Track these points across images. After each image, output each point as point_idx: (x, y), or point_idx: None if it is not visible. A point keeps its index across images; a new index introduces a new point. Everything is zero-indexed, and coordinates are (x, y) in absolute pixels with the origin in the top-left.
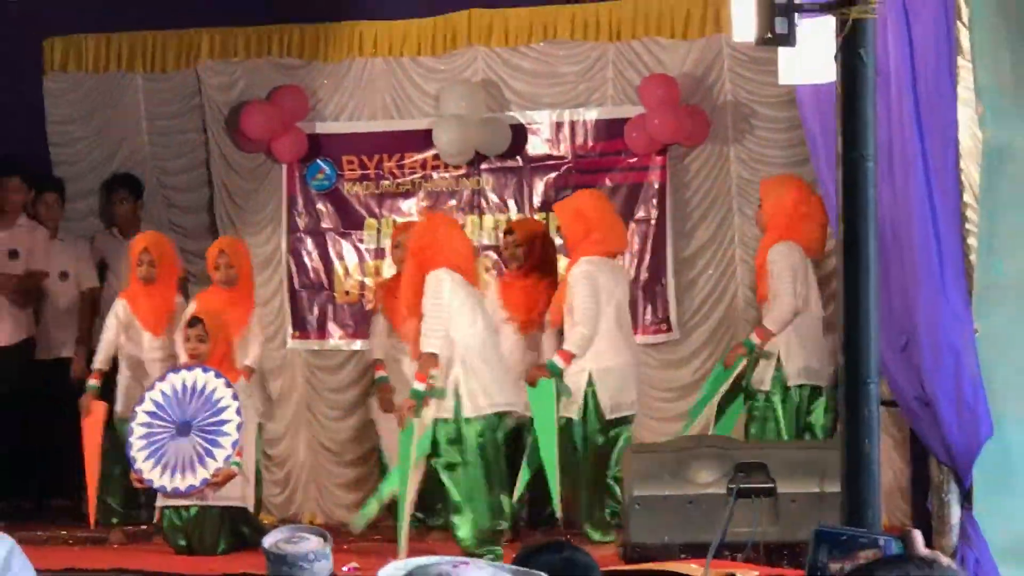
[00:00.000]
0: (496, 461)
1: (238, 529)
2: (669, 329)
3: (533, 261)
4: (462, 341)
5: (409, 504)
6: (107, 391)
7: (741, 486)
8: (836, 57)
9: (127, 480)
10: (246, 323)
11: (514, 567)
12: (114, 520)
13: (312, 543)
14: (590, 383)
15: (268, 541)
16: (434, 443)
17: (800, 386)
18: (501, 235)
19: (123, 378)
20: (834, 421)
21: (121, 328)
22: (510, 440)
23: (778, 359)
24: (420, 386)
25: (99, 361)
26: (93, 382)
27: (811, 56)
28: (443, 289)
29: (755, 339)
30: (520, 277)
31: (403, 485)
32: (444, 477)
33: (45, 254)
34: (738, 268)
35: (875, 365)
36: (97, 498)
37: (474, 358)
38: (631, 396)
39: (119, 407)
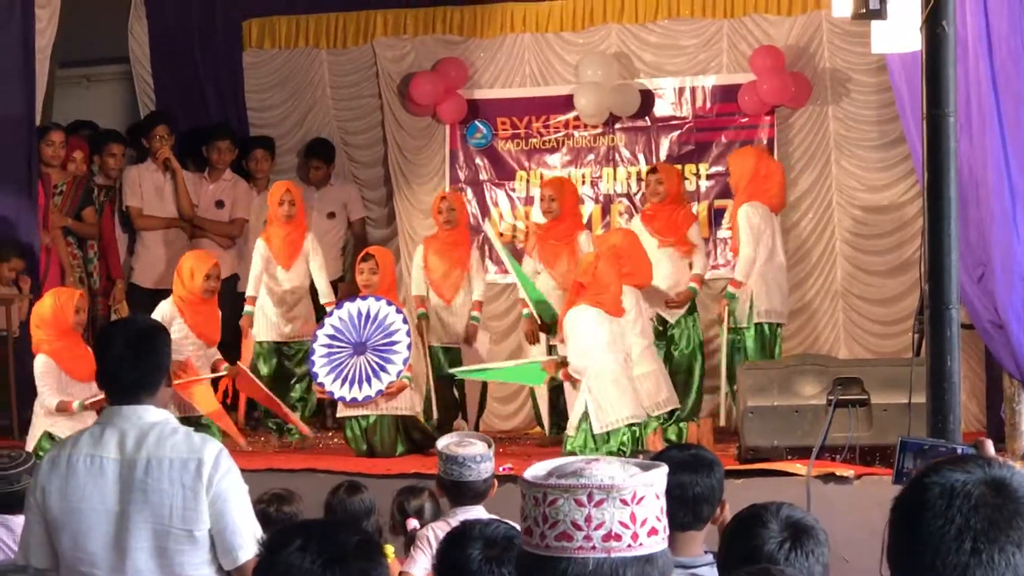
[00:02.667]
0: None
1: (410, 434)
2: None
3: (672, 195)
4: (595, 367)
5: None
6: None
7: (839, 397)
8: (921, 28)
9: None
10: (468, 260)
11: (640, 460)
12: (273, 428)
13: (478, 447)
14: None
15: (441, 443)
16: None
17: (769, 323)
18: (645, 176)
19: (261, 305)
20: (919, 341)
21: (263, 263)
22: None
23: (751, 300)
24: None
25: (251, 289)
26: (249, 308)
27: (900, 28)
28: (582, 325)
29: (732, 289)
30: (662, 208)
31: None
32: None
33: (247, 203)
34: (835, 211)
35: (955, 293)
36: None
37: (605, 382)
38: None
39: (255, 330)
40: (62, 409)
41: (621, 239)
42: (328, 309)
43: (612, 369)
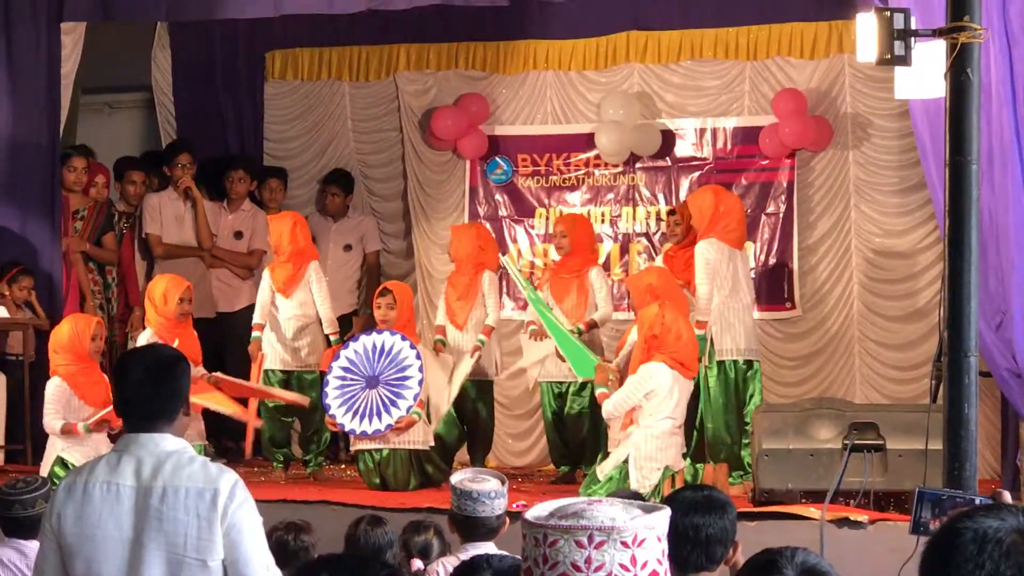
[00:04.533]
0: None
1: (423, 468)
2: (793, 307)
3: (692, 237)
4: (651, 431)
5: None
6: None
7: (855, 442)
8: (946, 76)
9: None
10: (476, 288)
11: (642, 503)
12: (279, 459)
13: (492, 483)
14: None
15: (455, 479)
16: None
17: (734, 361)
18: (665, 216)
19: (267, 334)
20: (936, 388)
21: (270, 292)
22: None
23: (711, 339)
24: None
25: (258, 316)
26: (257, 333)
27: (924, 74)
28: (655, 382)
29: (698, 331)
30: (681, 250)
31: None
32: None
33: (264, 234)
34: (853, 256)
35: (974, 340)
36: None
37: (652, 448)
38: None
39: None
40: (67, 432)
41: (656, 278)
42: (332, 338)
43: (664, 431)
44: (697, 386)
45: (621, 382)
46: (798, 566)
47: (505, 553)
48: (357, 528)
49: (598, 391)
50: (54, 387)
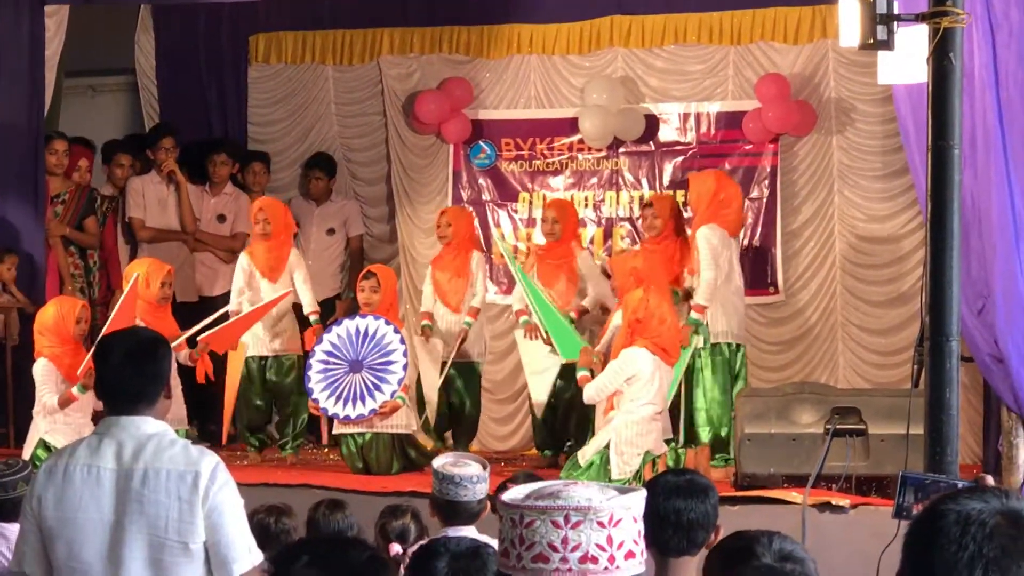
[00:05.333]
0: None
1: (406, 452)
2: (776, 291)
3: (669, 228)
4: (630, 417)
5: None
6: None
7: (837, 427)
8: (928, 60)
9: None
10: (468, 269)
11: (618, 485)
12: (254, 443)
13: (474, 468)
14: None
15: (437, 463)
16: None
17: (727, 343)
18: (639, 208)
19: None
20: (918, 372)
21: (245, 277)
22: None
23: (707, 323)
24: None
25: (234, 303)
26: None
27: (906, 59)
28: (636, 367)
29: (695, 315)
30: (658, 241)
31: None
32: None
33: (247, 217)
34: (837, 241)
35: (956, 325)
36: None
37: (632, 433)
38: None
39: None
40: (65, 402)
41: (641, 262)
42: (312, 318)
43: (645, 417)
44: (689, 368)
45: (604, 366)
46: (775, 553)
47: (465, 535)
48: (316, 512)
49: (580, 374)
50: (42, 367)
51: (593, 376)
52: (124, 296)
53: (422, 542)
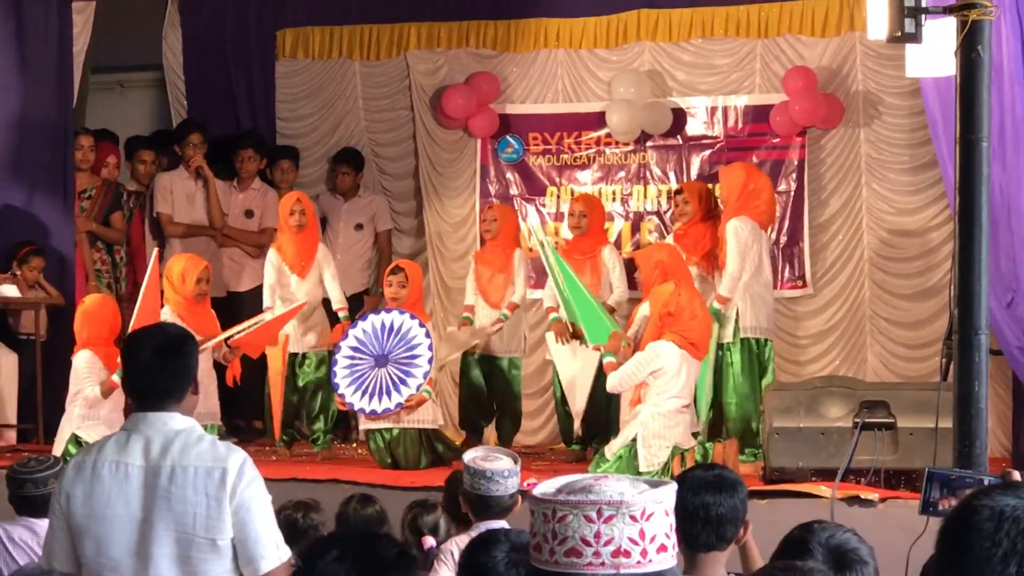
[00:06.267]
0: None
1: (434, 447)
2: (804, 285)
3: (700, 214)
4: (657, 409)
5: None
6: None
7: (866, 420)
8: (956, 53)
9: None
10: (511, 265)
11: (649, 479)
12: (284, 439)
13: (505, 462)
14: None
15: (468, 457)
16: None
17: (756, 338)
18: (673, 195)
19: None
20: (947, 366)
21: (275, 273)
22: None
23: (737, 315)
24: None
25: (268, 299)
26: (269, 316)
27: (935, 52)
28: (663, 361)
29: (718, 306)
30: (691, 228)
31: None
32: None
33: (275, 213)
34: (865, 234)
35: (985, 318)
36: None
37: (659, 425)
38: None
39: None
40: (107, 392)
41: (667, 256)
42: (341, 315)
43: (672, 410)
44: (717, 363)
45: (634, 353)
46: (826, 546)
47: (523, 529)
48: (347, 506)
49: (606, 359)
50: (86, 359)
51: (618, 364)
52: (145, 286)
53: (455, 536)
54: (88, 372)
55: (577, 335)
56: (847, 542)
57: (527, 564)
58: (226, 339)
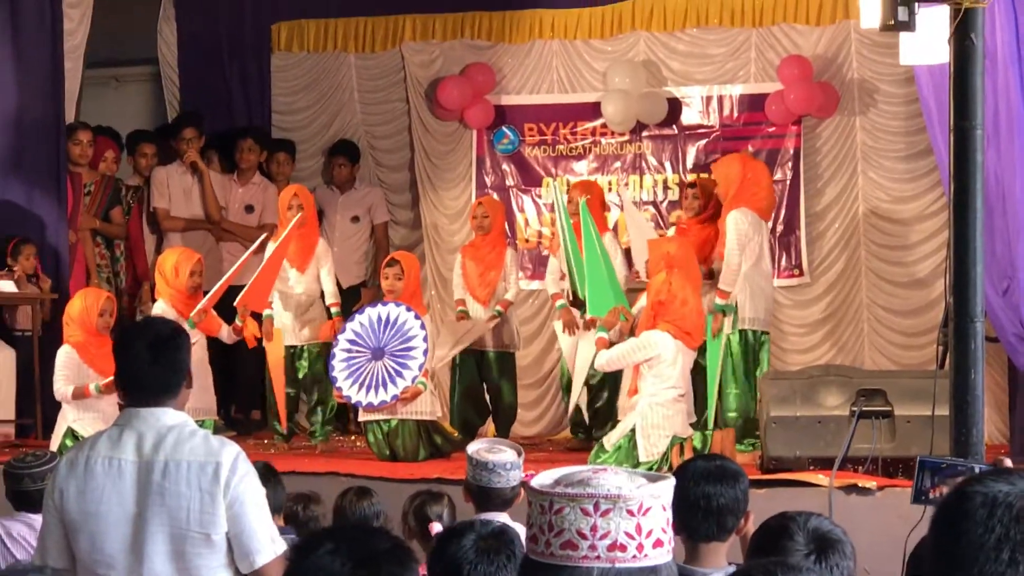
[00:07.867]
0: None
1: (432, 439)
2: (801, 274)
3: (708, 212)
4: (654, 399)
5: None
6: None
7: (863, 409)
8: (950, 41)
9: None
10: (502, 263)
11: (646, 472)
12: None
13: (508, 454)
14: None
15: (471, 449)
16: None
17: (753, 330)
18: (681, 187)
19: (276, 310)
20: (943, 353)
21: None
22: None
23: (736, 308)
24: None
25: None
26: (268, 311)
27: (928, 40)
28: (656, 350)
29: (719, 301)
30: (696, 223)
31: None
32: None
33: (275, 207)
34: (861, 222)
35: (980, 306)
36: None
37: (658, 416)
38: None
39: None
40: (78, 395)
41: (676, 248)
42: (333, 310)
43: (669, 399)
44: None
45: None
46: (810, 532)
47: (497, 520)
48: (344, 499)
49: (598, 334)
50: (65, 354)
51: (610, 342)
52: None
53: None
54: (63, 367)
55: (577, 304)
56: (823, 524)
57: (495, 550)
58: (208, 308)
